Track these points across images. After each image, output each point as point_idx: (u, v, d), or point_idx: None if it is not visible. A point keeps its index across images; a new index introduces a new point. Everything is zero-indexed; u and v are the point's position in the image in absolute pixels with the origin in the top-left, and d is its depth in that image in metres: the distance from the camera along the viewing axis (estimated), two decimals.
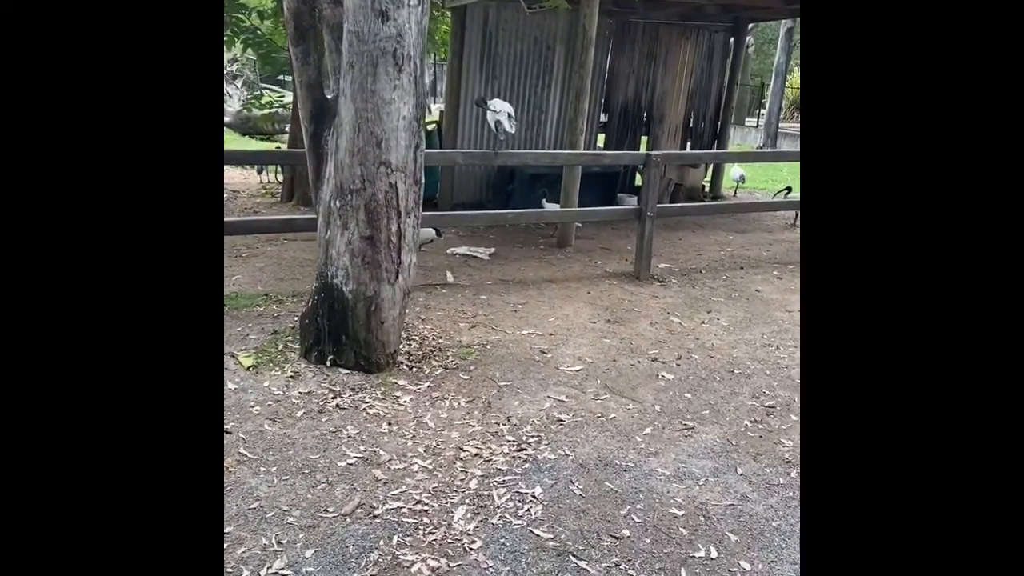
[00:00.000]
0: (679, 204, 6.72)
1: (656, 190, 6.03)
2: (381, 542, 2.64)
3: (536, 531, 2.77)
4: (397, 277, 3.84)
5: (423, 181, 3.87)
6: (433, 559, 2.58)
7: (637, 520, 2.88)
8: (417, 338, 4.49)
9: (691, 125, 10.17)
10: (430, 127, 8.51)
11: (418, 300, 5.19)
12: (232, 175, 10.32)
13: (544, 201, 7.26)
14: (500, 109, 5.39)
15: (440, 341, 4.50)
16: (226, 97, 17.68)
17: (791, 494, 3.14)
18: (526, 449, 3.33)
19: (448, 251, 6.60)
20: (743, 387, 4.15)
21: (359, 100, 3.55)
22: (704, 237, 8.07)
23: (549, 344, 4.56)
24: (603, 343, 4.65)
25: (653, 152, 6.00)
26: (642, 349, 4.60)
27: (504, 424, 3.54)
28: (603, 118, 9.48)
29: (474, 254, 6.53)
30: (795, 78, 23.61)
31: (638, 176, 9.98)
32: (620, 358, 4.43)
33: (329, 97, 3.91)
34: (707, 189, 10.69)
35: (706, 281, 6.28)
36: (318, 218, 3.92)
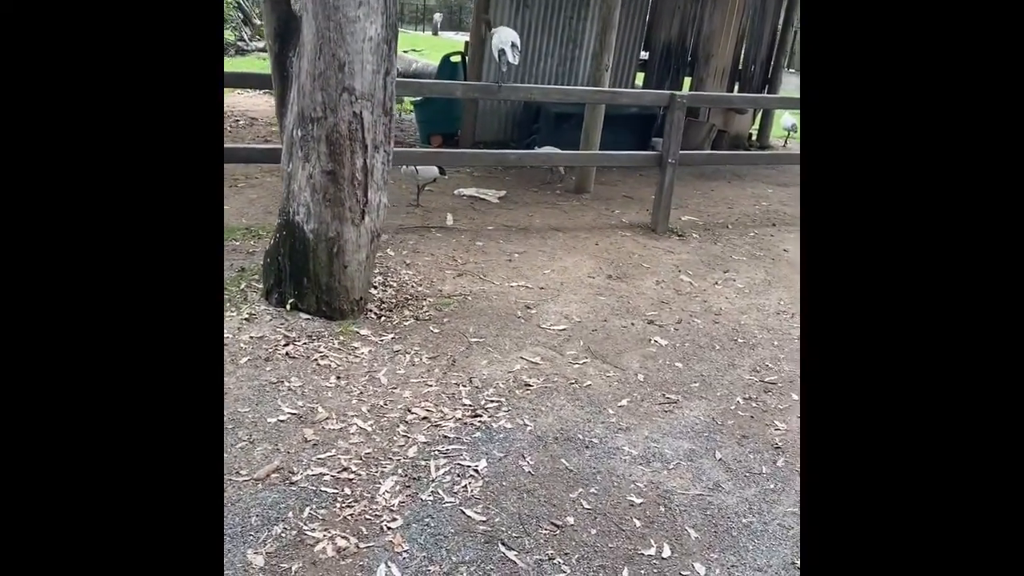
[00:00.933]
0: (707, 151, 6.12)
1: (678, 134, 5.51)
2: (290, 513, 2.38)
3: (468, 511, 2.47)
4: (363, 218, 3.51)
5: (394, 112, 3.49)
6: (343, 537, 2.31)
7: (587, 506, 2.55)
8: (395, 284, 4.18)
9: (740, 68, 9.45)
10: (455, 59, 8.04)
11: (408, 243, 4.87)
12: (258, 102, 10.05)
13: (535, 146, 6.77)
14: (503, 38, 4.91)
15: (419, 289, 4.18)
16: None
17: (772, 486, 2.77)
18: (481, 416, 3.02)
19: (455, 192, 6.22)
20: (744, 358, 3.74)
21: (320, 17, 3.17)
22: (740, 189, 7.51)
23: (537, 299, 4.20)
24: (597, 301, 4.27)
25: (678, 92, 5.46)
26: (640, 310, 4.21)
27: (464, 385, 3.23)
28: (643, 56, 8.85)
29: (482, 196, 6.15)
30: None
31: None
32: (612, 319, 4.05)
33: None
34: (754, 138, 10.01)
35: (731, 237, 5.79)
36: (282, 148, 3.60)
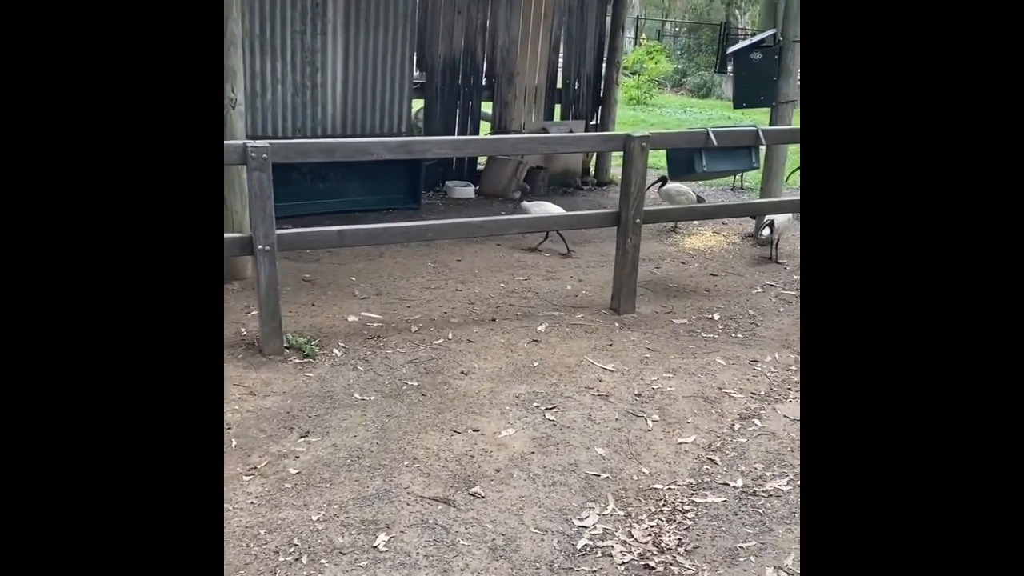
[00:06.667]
0: (336, 228, 3.90)
1: (266, 204, 3.58)
2: None
3: None
4: None
5: None
6: None
7: None
8: None
9: (560, 87, 7.59)
10: None
11: None
12: None
13: None
14: None
15: None
16: None
17: None
18: None
19: None
20: None
21: None
22: (507, 255, 5.60)
23: None
24: None
25: (252, 143, 3.53)
26: None
27: None
28: (418, 77, 6.98)
29: None
30: None
31: (481, 157, 7.51)
32: None
33: None
34: (592, 173, 8.11)
35: (400, 351, 3.88)
36: None
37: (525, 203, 5.48)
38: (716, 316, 4.55)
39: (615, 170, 8.26)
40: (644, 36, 25.59)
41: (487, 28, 7.03)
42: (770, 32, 5.59)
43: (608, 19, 7.49)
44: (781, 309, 4.73)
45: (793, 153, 8.66)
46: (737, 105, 5.79)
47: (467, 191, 7.07)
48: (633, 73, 18.55)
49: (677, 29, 28.07)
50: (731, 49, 6.35)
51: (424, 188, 6.98)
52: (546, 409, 3.36)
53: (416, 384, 3.54)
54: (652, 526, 2.65)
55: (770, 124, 5.79)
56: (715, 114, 15.31)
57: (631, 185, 4.19)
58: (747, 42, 5.71)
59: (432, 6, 6.75)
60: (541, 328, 4.24)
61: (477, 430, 3.16)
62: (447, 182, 7.15)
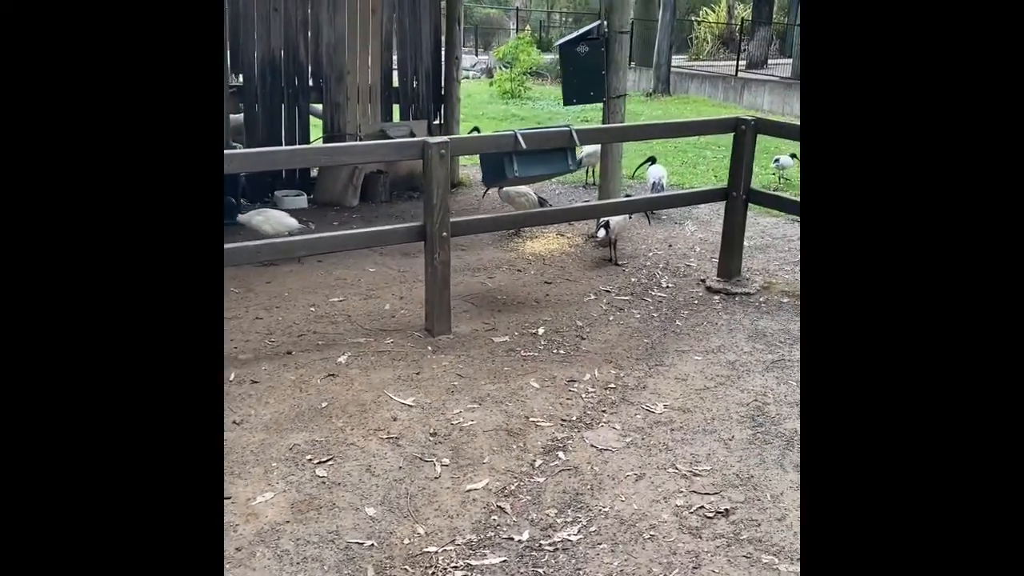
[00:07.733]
0: None
1: None
2: None
3: None
4: None
5: None
6: None
7: None
8: None
9: (395, 84, 7.14)
10: None
11: None
12: None
13: None
14: None
15: None
16: None
17: None
18: None
19: None
20: None
21: None
22: (326, 271, 5.13)
23: None
24: None
25: None
26: None
27: None
28: (236, 81, 6.39)
29: None
30: None
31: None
32: None
33: None
34: None
35: None
36: None
37: (241, 217, 5.11)
38: (540, 331, 4.24)
39: (465, 171, 7.90)
40: (528, 28, 25.40)
41: (308, 25, 6.50)
42: (595, 23, 5.32)
43: (442, 9, 7.07)
44: (611, 318, 4.47)
45: (644, 148, 8.53)
46: (567, 102, 5.50)
47: (299, 200, 6.54)
48: (506, 65, 18.29)
49: (564, 20, 28.09)
50: (557, 42, 6.07)
51: (252, 199, 6.43)
52: (319, 462, 2.94)
53: None
54: None
55: (603, 121, 5.53)
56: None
57: (433, 196, 3.81)
58: (573, 34, 5.43)
59: (243, 2, 6.16)
60: (342, 359, 3.81)
61: (228, 498, 2.71)
62: (276, 192, 6.59)
